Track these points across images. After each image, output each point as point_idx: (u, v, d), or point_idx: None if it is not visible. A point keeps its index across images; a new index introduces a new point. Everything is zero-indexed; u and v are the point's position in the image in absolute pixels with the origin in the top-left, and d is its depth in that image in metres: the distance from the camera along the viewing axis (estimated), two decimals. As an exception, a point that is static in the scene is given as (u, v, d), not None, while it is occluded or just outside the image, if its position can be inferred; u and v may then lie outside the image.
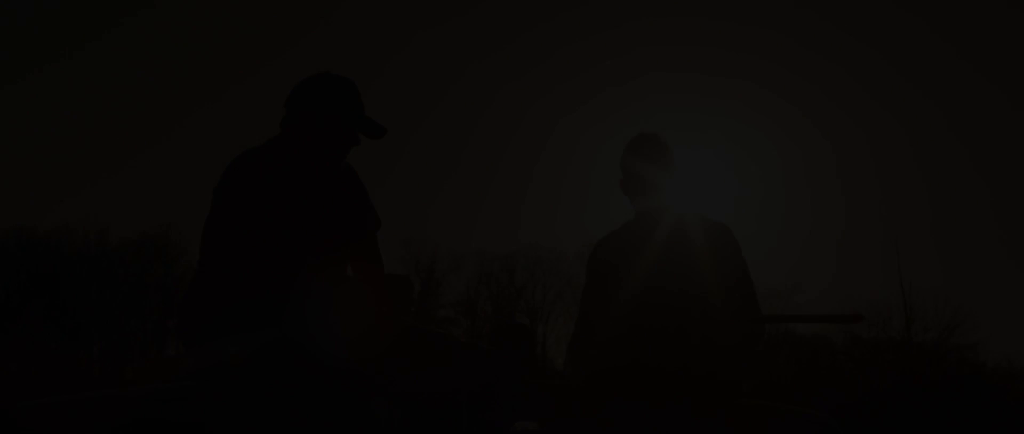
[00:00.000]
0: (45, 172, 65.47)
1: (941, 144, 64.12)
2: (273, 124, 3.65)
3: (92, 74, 65.50)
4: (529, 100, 69.40)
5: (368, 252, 3.75)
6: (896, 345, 42.32)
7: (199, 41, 66.02)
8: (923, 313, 43.62)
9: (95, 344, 50.83)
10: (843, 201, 65.37)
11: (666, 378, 3.42)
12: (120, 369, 48.79)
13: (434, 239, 51.56)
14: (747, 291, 3.81)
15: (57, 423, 4.03)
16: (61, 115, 65.79)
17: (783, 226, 57.00)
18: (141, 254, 51.37)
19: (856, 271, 59.42)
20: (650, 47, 70.39)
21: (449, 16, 68.01)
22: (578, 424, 3.39)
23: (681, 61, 70.86)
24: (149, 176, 66.16)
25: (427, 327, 3.47)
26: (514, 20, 70.35)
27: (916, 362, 40.45)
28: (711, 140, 50.80)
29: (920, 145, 64.63)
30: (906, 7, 64.18)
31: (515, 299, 51.12)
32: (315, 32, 64.85)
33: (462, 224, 65.05)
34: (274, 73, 59.65)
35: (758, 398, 3.79)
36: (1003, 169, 61.26)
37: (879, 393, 39.47)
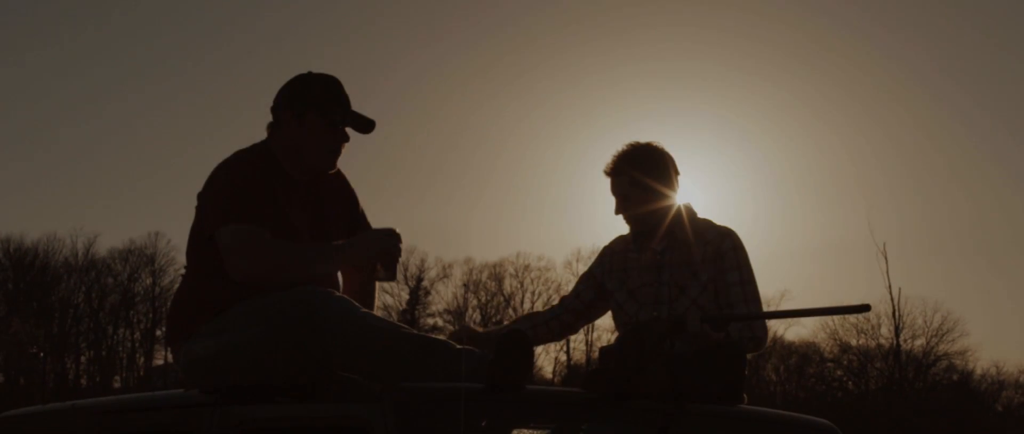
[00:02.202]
0: (34, 181, 65.37)
1: (930, 151, 64.40)
2: (260, 129, 3.59)
3: (81, 82, 65.44)
4: (519, 109, 69.53)
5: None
6: (885, 352, 42.37)
7: (187, 49, 66.00)
8: (912, 320, 43.68)
9: (83, 353, 50.67)
10: (831, 209, 65.62)
11: (664, 384, 3.39)
12: (108, 378, 48.71)
13: (422, 247, 51.41)
14: (750, 295, 3.80)
15: (45, 432, 4.00)
16: (51, 124, 65.70)
17: (771, 234, 57.10)
18: (129, 263, 51.26)
19: (844, 279, 59.56)
20: (640, 56, 70.66)
21: (441, 24, 68.12)
22: (575, 429, 3.37)
23: (671, 70, 71.13)
24: (138, 185, 66.10)
25: (424, 332, 3.44)
26: (506, 29, 70.51)
27: (905, 369, 40.51)
28: (698, 148, 50.95)
29: (908, 152, 64.90)
30: (892, 17, 64.47)
31: (503, 307, 51.13)
32: (303, 38, 64.85)
33: (451, 232, 65.11)
34: (262, 79, 59.64)
35: (755, 405, 3.77)
36: (993, 176, 61.54)
37: (869, 400, 39.51)
